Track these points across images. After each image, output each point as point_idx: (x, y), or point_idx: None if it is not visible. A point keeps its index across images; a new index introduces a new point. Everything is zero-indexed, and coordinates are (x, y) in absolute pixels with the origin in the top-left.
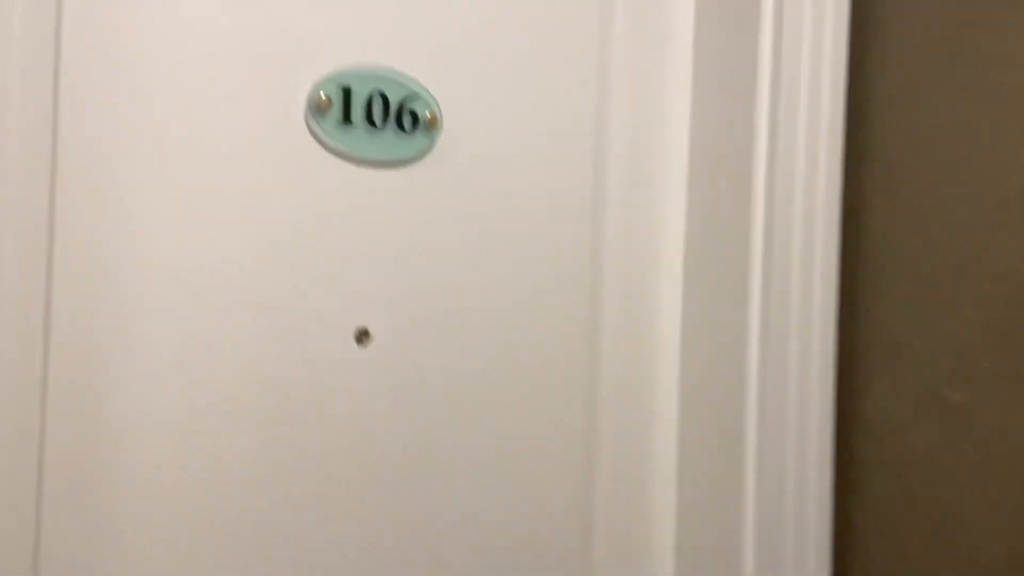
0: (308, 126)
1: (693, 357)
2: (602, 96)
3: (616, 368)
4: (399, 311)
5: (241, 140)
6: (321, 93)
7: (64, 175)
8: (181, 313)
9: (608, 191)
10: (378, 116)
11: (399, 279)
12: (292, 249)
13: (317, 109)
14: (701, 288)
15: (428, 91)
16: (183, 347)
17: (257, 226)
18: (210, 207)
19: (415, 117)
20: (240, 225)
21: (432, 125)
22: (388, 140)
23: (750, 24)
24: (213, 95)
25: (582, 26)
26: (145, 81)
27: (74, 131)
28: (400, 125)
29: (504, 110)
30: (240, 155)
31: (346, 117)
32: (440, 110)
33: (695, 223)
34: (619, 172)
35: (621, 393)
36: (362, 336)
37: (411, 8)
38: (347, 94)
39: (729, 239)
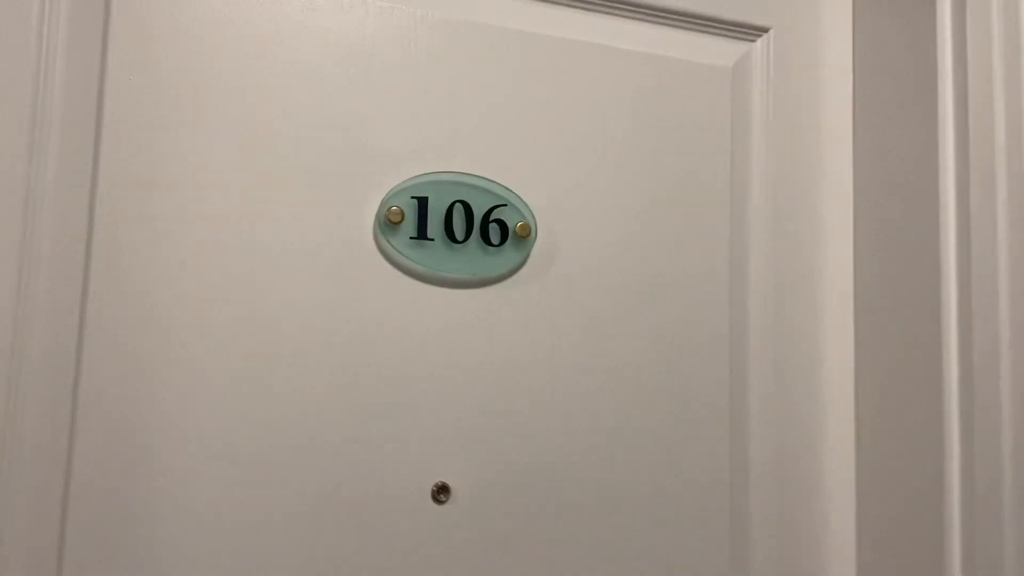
0: (378, 244)
1: (872, 516)
2: (739, 192)
3: (768, 549)
4: (486, 462)
5: (300, 262)
6: (393, 205)
7: (100, 293)
8: (233, 468)
9: (750, 311)
10: (459, 229)
11: (486, 423)
12: (359, 390)
13: (388, 224)
14: (878, 432)
15: (519, 197)
16: (238, 508)
17: (319, 362)
18: (265, 338)
19: (504, 228)
20: (299, 360)
21: (524, 236)
22: (472, 256)
23: (926, 103)
24: (266, 209)
25: (712, 107)
26: (187, 194)
27: (113, 244)
28: (486, 238)
29: (613, 213)
30: (299, 279)
31: (422, 231)
32: (534, 218)
33: (868, 360)
34: (762, 284)
35: None
36: (440, 492)
37: (492, 103)
38: (423, 205)
39: (911, 352)
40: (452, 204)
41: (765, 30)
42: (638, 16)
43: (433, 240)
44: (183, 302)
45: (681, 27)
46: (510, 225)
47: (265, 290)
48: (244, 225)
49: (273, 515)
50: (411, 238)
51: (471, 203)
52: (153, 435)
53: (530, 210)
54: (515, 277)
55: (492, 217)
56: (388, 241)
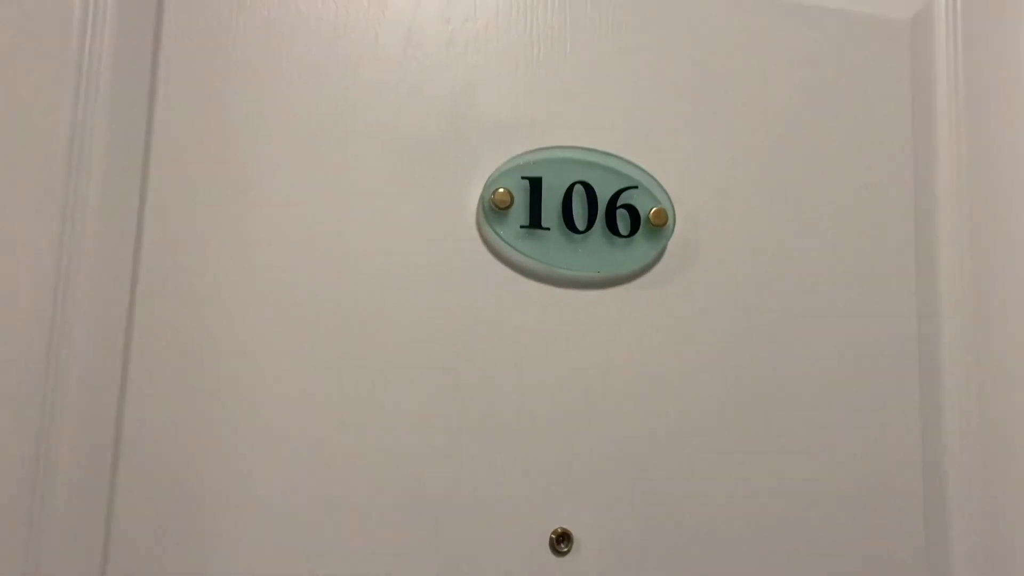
0: (482, 234)
1: None
2: (924, 168)
3: None
4: (616, 503)
5: (388, 257)
6: (499, 188)
7: (150, 301)
8: (307, 507)
9: (941, 309)
10: (580, 216)
11: (615, 455)
12: (460, 414)
13: (494, 210)
14: None
15: (653, 177)
16: (312, 561)
17: (412, 380)
18: (347, 350)
19: (634, 215)
20: (387, 377)
21: (659, 225)
22: (595, 249)
23: None
24: (348, 195)
25: (887, 68)
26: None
27: (165, 237)
28: (612, 227)
29: (769, 197)
30: (386, 277)
31: (534, 219)
32: (671, 204)
33: None
34: (956, 280)
35: None
36: (561, 541)
37: (620, 64)
38: (536, 187)
39: None
40: (571, 186)
41: None
42: None
43: (548, 229)
44: (248, 306)
45: None
46: (642, 212)
47: (347, 292)
48: (322, 214)
49: (358, 569)
50: (522, 227)
51: (594, 185)
52: (209, 469)
53: (666, 193)
54: (648, 275)
55: (620, 202)
56: (494, 231)
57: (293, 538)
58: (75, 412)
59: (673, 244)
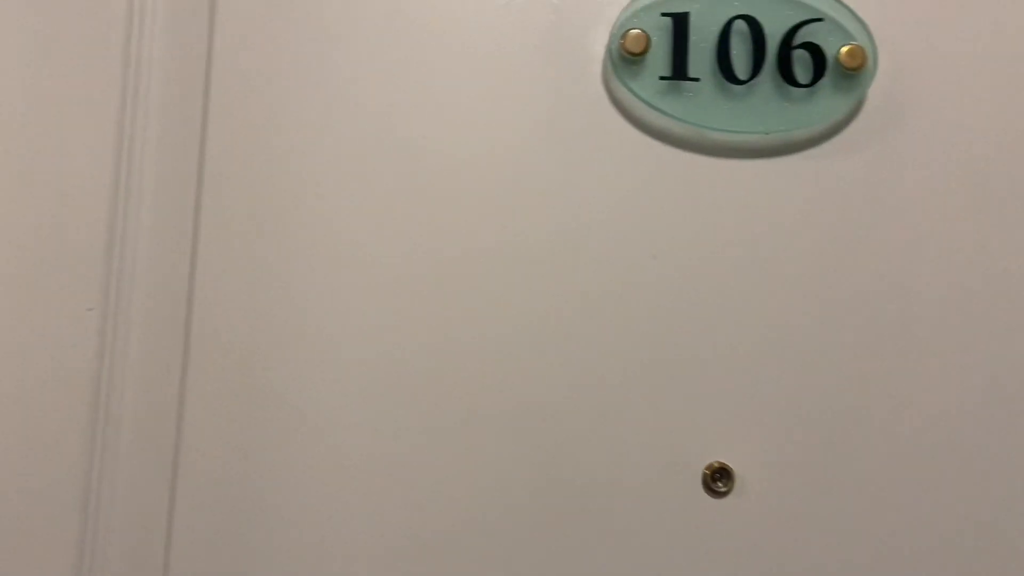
0: (609, 90)
1: None
2: None
3: None
4: (788, 434)
5: (492, 122)
6: (632, 28)
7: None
8: (398, 444)
9: None
10: (741, 62)
11: (788, 375)
12: (587, 323)
13: (625, 57)
14: None
15: (844, 5)
16: (413, 506)
17: (525, 276)
18: (447, 237)
19: (818, 57)
20: (495, 273)
21: (854, 69)
22: (764, 104)
23: None
24: (440, 50)
25: None
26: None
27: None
28: (787, 75)
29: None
30: (490, 147)
31: (679, 68)
32: (871, 40)
33: None
34: None
35: None
36: (717, 478)
37: None
38: (680, 26)
39: None
40: (728, 23)
41: None
42: None
43: (698, 81)
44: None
45: None
46: (829, 52)
47: (444, 165)
48: (406, 64)
49: (470, 510)
50: (662, 79)
51: (760, 19)
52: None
53: (864, 27)
54: (838, 138)
55: (797, 40)
56: (626, 85)
57: (376, 470)
58: (131, 430)
59: (873, 95)
